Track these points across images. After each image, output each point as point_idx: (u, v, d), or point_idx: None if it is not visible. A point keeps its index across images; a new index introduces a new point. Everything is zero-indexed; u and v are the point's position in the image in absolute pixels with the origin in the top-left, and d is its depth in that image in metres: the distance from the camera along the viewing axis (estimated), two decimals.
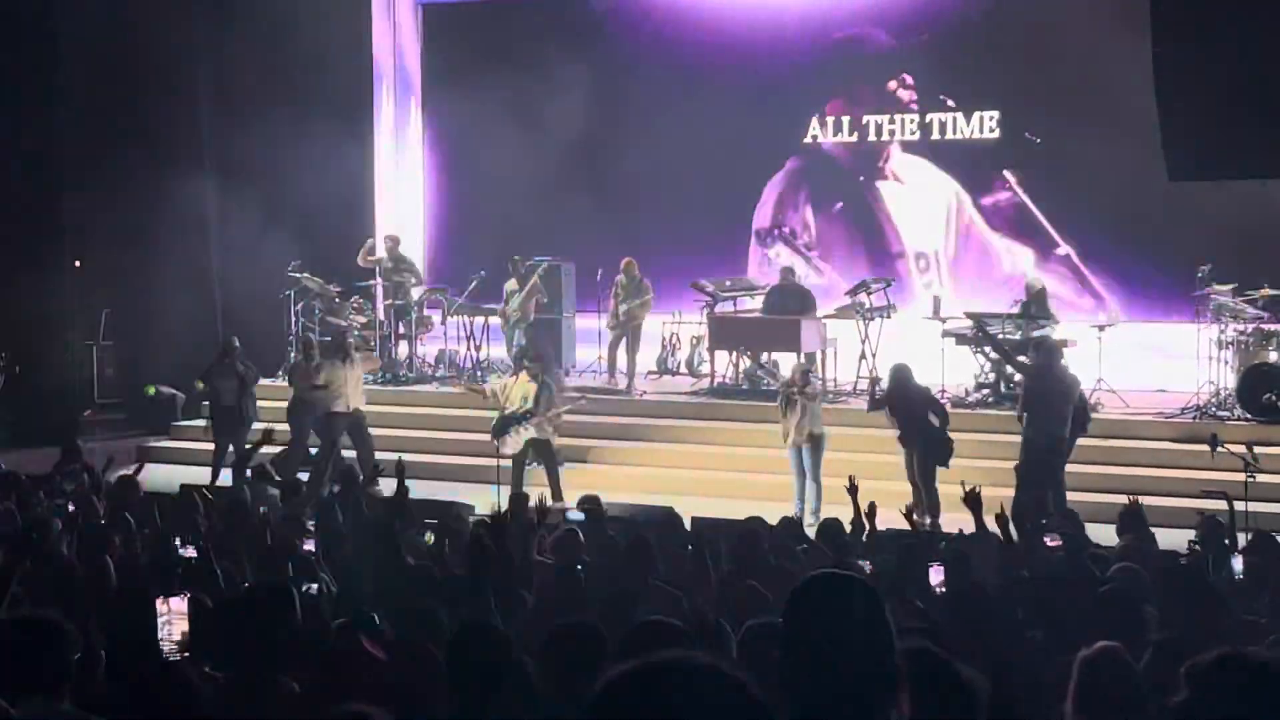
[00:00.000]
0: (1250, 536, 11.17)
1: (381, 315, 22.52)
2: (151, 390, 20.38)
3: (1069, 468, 15.55)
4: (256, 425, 18.14)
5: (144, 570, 8.96)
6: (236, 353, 18.65)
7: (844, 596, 3.18)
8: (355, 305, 22.14)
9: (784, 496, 16.14)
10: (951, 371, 18.96)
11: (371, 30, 24.22)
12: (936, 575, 9.30)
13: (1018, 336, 18.43)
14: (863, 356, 19.63)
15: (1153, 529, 11.74)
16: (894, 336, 19.69)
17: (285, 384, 21.37)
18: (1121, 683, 5.15)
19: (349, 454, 18.00)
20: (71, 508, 12.73)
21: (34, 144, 21.93)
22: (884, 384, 16.48)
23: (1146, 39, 14.29)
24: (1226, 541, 11.12)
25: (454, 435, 19.77)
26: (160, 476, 17.68)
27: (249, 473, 15.38)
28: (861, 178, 22.81)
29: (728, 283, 21.90)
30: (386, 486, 14.16)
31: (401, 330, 22.11)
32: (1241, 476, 13.94)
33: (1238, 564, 9.90)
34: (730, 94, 22.54)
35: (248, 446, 16.66)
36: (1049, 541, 10.60)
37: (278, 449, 17.28)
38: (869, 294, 20.05)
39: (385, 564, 9.59)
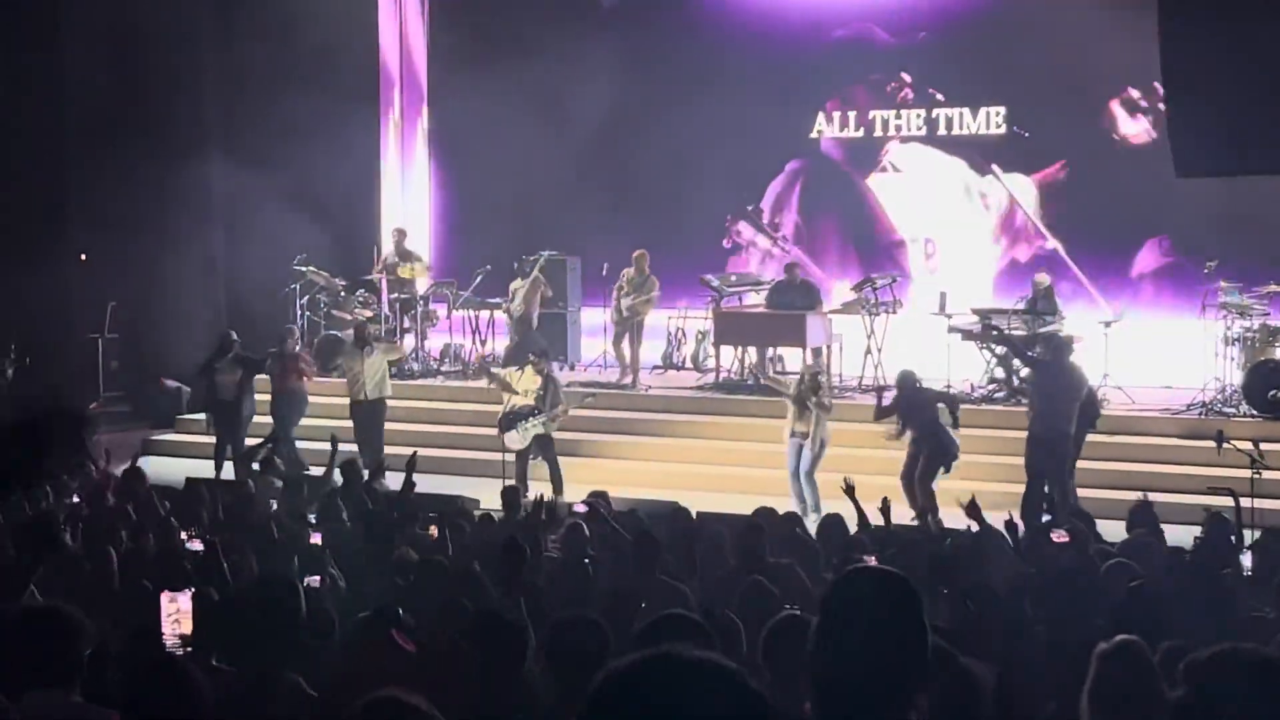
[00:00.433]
0: (1257, 533, 11.16)
1: (387, 309, 22.52)
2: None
3: (1077, 464, 15.56)
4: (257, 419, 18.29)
5: (151, 563, 8.95)
6: (235, 347, 18.63)
7: (883, 591, 3.20)
8: (361, 299, 22.14)
9: (788, 492, 16.14)
10: (958, 367, 18.93)
11: (378, 20, 24.22)
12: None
13: (1023, 332, 18.42)
14: (868, 352, 19.62)
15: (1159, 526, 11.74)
16: (900, 332, 19.68)
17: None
18: (1138, 677, 5.14)
19: (350, 446, 17.99)
20: (77, 500, 12.74)
21: (40, 136, 21.94)
22: (891, 392, 16.44)
23: (1154, 32, 14.26)
24: (1233, 538, 11.10)
25: (459, 429, 19.77)
26: (165, 470, 17.69)
27: (256, 466, 15.40)
28: (866, 170, 22.79)
29: (733, 278, 21.89)
30: (395, 480, 14.14)
31: (407, 324, 22.10)
32: (1248, 473, 13.93)
33: (1245, 560, 9.89)
34: (737, 88, 22.50)
35: (261, 442, 16.66)
36: (1055, 537, 10.58)
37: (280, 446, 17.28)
38: (875, 289, 20.05)
39: (382, 559, 9.62)
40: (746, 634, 6.46)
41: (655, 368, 21.90)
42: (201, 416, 20.09)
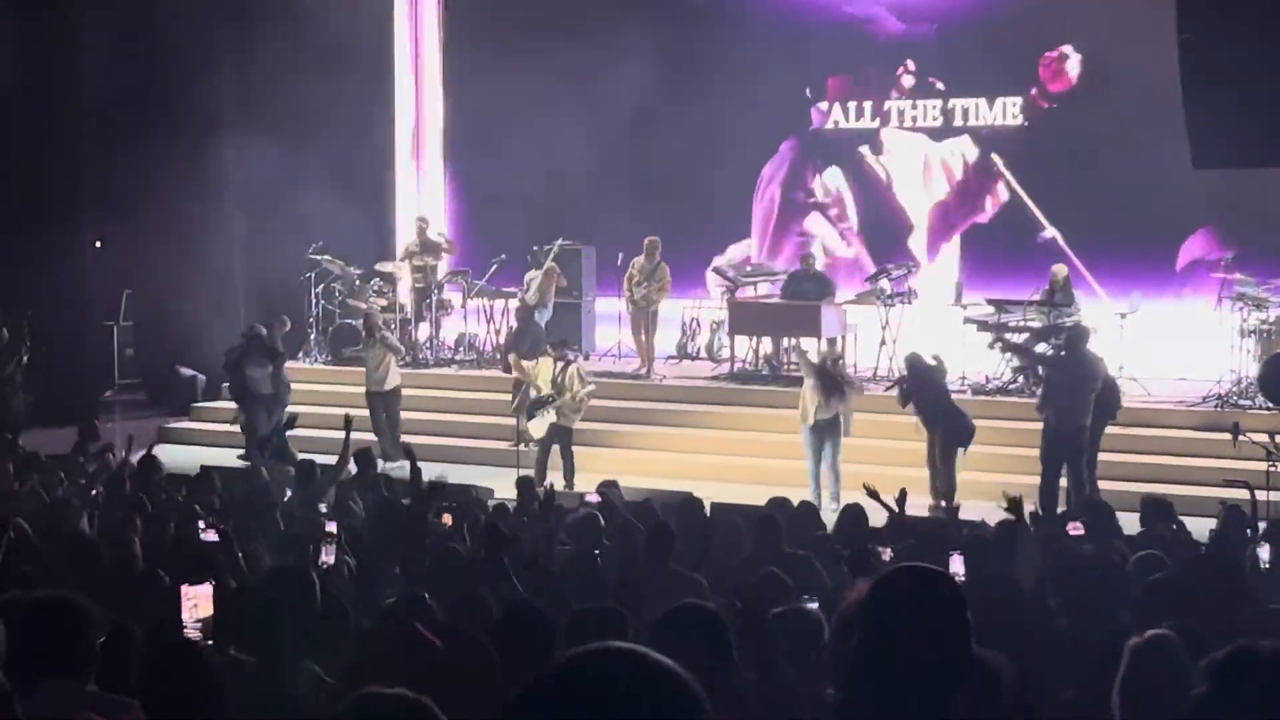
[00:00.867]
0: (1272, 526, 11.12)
1: (402, 298, 22.53)
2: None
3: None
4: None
5: (168, 552, 8.96)
6: (263, 339, 18.69)
7: (930, 589, 3.24)
8: (376, 288, 22.16)
9: (803, 482, 16.13)
10: (973, 358, 18.90)
11: (393, 6, 24.21)
12: (956, 563, 9.26)
13: (1039, 324, 18.39)
14: (883, 343, 19.60)
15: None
16: (915, 323, 19.66)
17: (309, 365, 21.46)
18: (1171, 671, 5.12)
19: (368, 436, 18.03)
20: (94, 489, 12.76)
21: (55, 123, 21.96)
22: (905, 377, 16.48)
23: (1172, 24, 14.20)
24: (1249, 531, 11.08)
25: (473, 418, 19.78)
26: (180, 458, 17.72)
27: (268, 453, 15.45)
28: (873, 158, 22.74)
29: (748, 268, 21.88)
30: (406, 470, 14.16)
31: (423, 313, 22.11)
32: (1264, 465, 13.90)
33: (1263, 553, 9.86)
34: (750, 72, 22.45)
35: (275, 430, 16.71)
36: (1071, 529, 10.57)
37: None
38: (890, 279, 20.03)
39: (411, 547, 9.61)
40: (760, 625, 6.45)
41: (670, 357, 21.88)
42: (218, 405, 20.13)
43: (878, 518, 11.53)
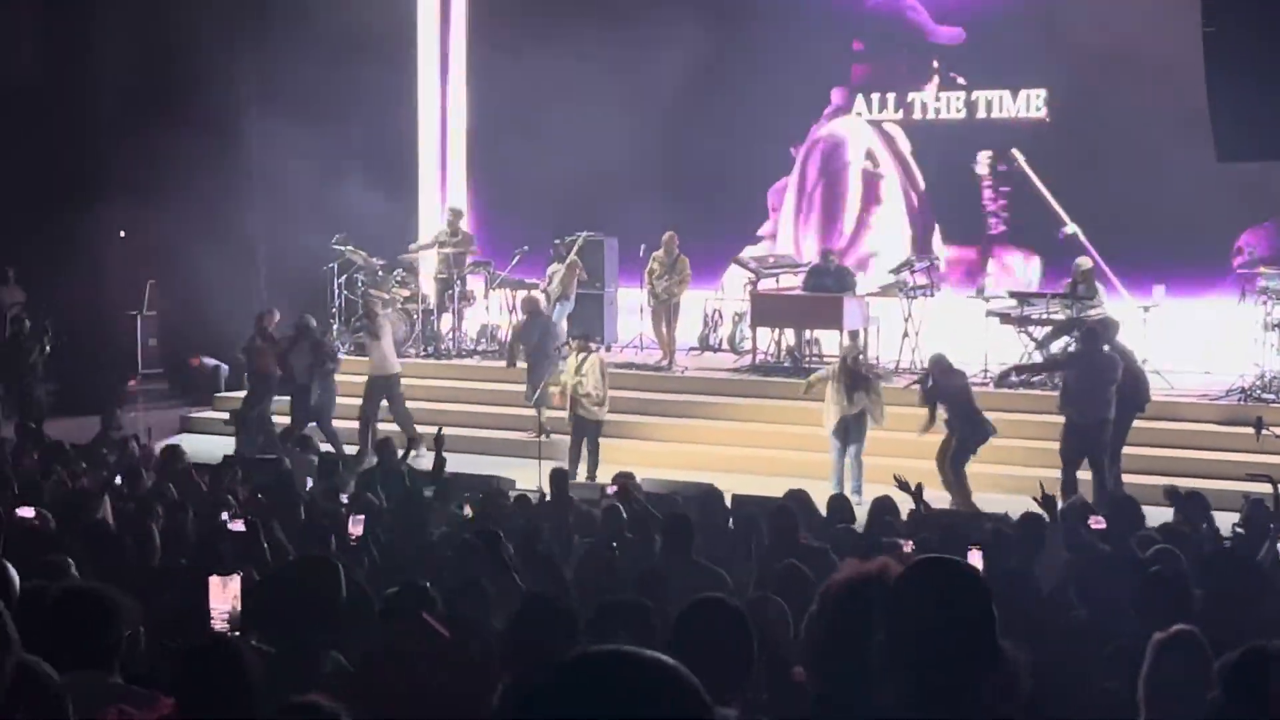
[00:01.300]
0: None
1: (425, 289, 22.56)
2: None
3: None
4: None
5: (192, 542, 8.99)
6: (313, 332, 18.82)
7: (953, 580, 3.26)
8: (399, 278, 22.20)
9: (826, 474, 16.13)
10: (995, 351, 18.86)
11: None
12: (975, 558, 9.25)
13: (1062, 317, 18.36)
14: (905, 335, 19.58)
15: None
16: (937, 315, 19.63)
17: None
18: (1194, 667, 5.12)
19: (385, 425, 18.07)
20: (117, 478, 12.80)
21: (77, 114, 22.03)
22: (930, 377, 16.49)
23: (1196, 16, 14.16)
24: (1272, 525, 11.04)
25: (494, 409, 19.79)
26: (203, 447, 17.77)
27: (292, 444, 15.48)
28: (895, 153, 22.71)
29: (770, 259, 21.86)
30: (424, 460, 14.21)
31: (445, 304, 22.14)
32: None
33: None
34: (771, 65, 22.42)
35: (300, 420, 16.80)
36: (1093, 523, 10.55)
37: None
38: (912, 272, 20.01)
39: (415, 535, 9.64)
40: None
41: (692, 349, 21.87)
42: (240, 395, 20.14)
43: (908, 511, 11.55)
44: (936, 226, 22.42)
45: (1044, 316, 18.77)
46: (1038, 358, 18.48)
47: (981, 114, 22.05)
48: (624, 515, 10.85)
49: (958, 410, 15.97)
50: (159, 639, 5.71)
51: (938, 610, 3.19)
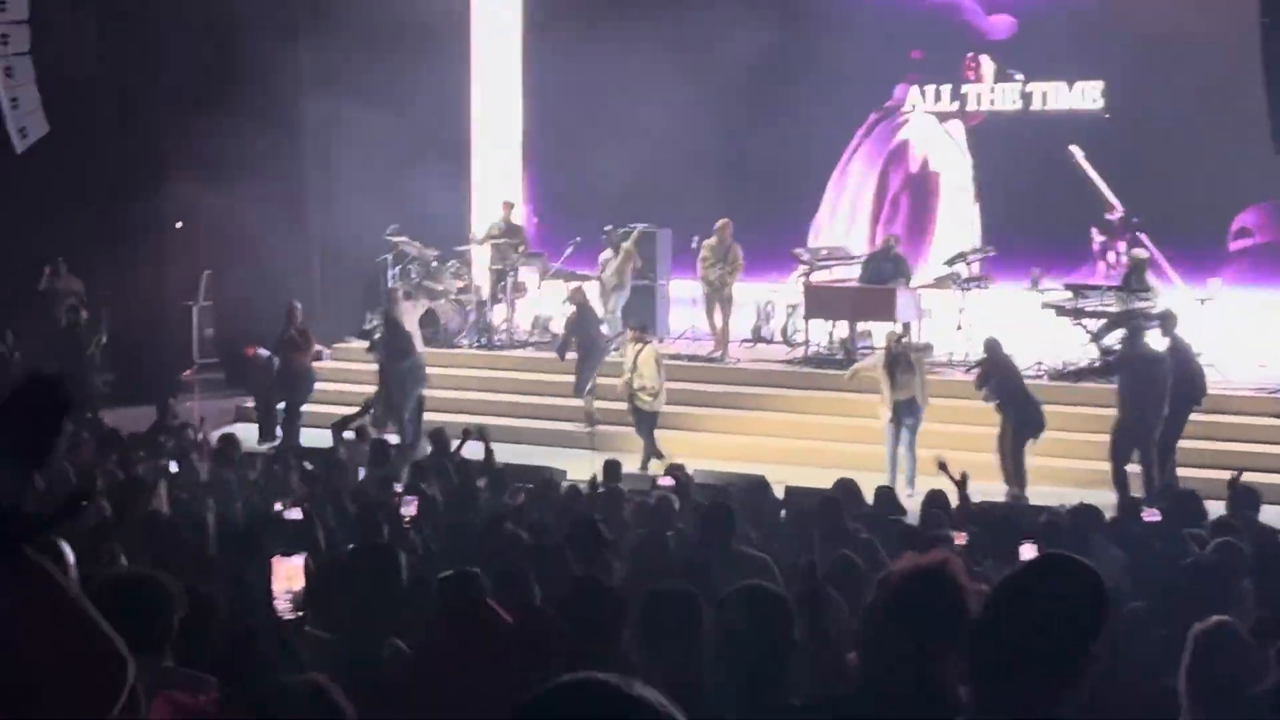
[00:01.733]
0: None
1: (478, 280, 22.61)
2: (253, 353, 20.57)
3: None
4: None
5: (245, 530, 9.04)
6: (399, 324, 19.03)
7: (1077, 580, 3.22)
8: (453, 270, 22.26)
9: (878, 466, 16.07)
10: (1050, 344, 18.77)
11: None
12: (1028, 550, 9.21)
13: (1116, 309, 18.24)
14: (959, 327, 19.50)
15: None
16: (991, 308, 19.54)
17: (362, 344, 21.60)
18: (1234, 657, 5.10)
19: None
20: (174, 467, 12.90)
21: (135, 106, 22.17)
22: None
23: (1253, 8, 14.09)
24: None
25: (546, 400, 19.83)
26: (257, 437, 17.93)
27: (347, 434, 15.56)
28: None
29: (824, 251, 21.82)
30: (474, 451, 14.25)
31: (498, 295, 22.19)
32: None
33: None
34: (828, 56, 22.34)
35: (358, 410, 16.90)
36: (1146, 516, 10.50)
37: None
38: (966, 264, 19.93)
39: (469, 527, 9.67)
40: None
41: (745, 341, 21.84)
42: None
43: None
44: (990, 219, 22.29)
45: (1099, 309, 18.64)
46: (1093, 351, 18.39)
47: (1037, 106, 21.91)
48: (676, 506, 10.85)
49: (1009, 395, 15.96)
50: (212, 624, 5.74)
51: (1050, 609, 3.14)
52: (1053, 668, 3.11)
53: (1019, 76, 21.83)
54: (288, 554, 5.86)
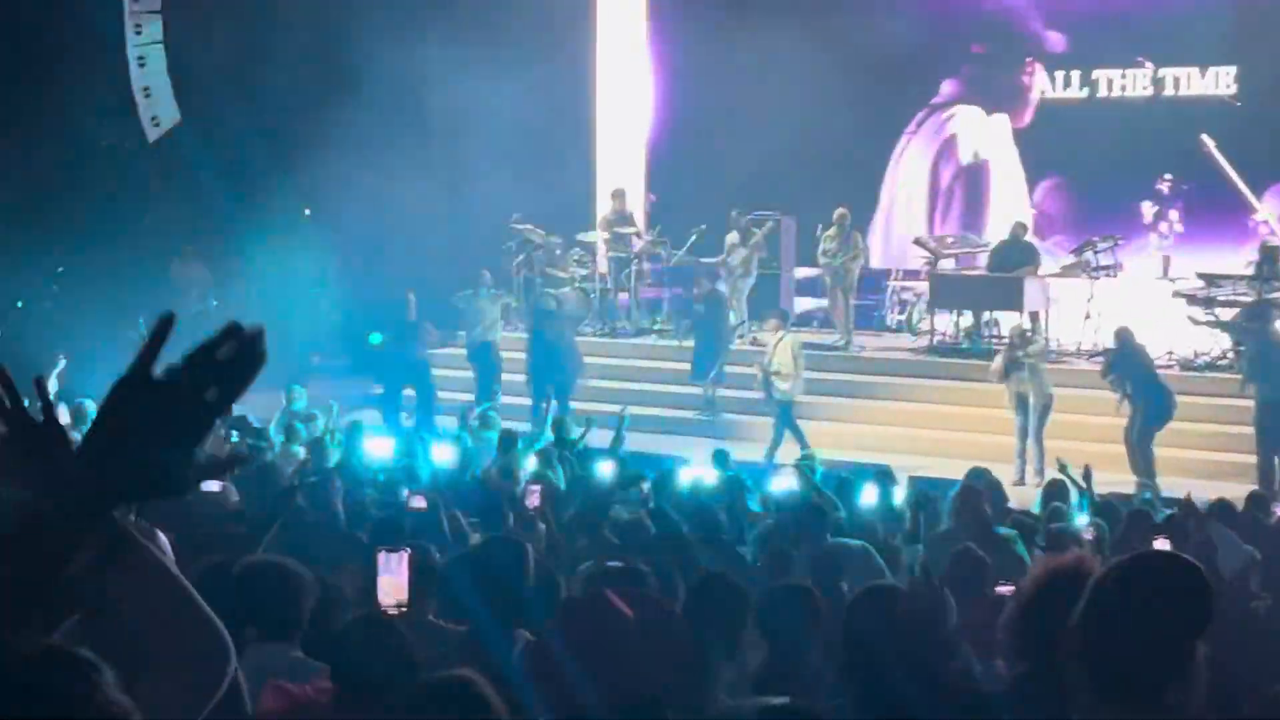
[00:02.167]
0: None
1: (602, 268, 22.66)
2: (377, 339, 20.80)
3: None
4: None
5: (372, 518, 9.13)
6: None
7: (1183, 577, 3.18)
8: (576, 257, 22.34)
9: (1004, 457, 15.93)
10: (1181, 333, 18.48)
11: None
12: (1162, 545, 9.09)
13: (1251, 298, 17.92)
14: (1087, 316, 19.25)
15: None
16: (1120, 296, 19.26)
17: (510, 335, 21.73)
18: None
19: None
20: (302, 453, 13.07)
21: (267, 94, 22.43)
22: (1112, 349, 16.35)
23: None
24: None
25: (667, 388, 19.84)
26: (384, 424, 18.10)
27: (473, 421, 15.69)
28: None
29: (950, 239, 21.63)
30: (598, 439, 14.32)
31: (622, 282, 22.24)
32: None
33: None
34: (960, 47, 22.16)
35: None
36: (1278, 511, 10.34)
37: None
38: (1095, 252, 19.67)
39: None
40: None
41: (869, 329, 21.69)
42: None
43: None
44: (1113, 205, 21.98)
45: (1231, 298, 18.32)
46: (1225, 342, 18.11)
47: (1169, 91, 21.54)
48: (802, 498, 10.84)
49: (1139, 384, 15.80)
50: (336, 614, 5.81)
51: (1154, 604, 3.12)
52: (1156, 666, 3.08)
53: (1148, 64, 21.45)
54: (393, 549, 5.92)
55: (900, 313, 21.95)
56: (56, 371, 17.45)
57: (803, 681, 5.03)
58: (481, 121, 21.36)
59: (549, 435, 15.25)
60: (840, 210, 20.44)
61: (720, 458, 13.43)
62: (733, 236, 21.10)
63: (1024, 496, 13.42)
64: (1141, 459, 15.57)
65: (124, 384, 2.17)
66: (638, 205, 23.47)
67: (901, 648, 4.50)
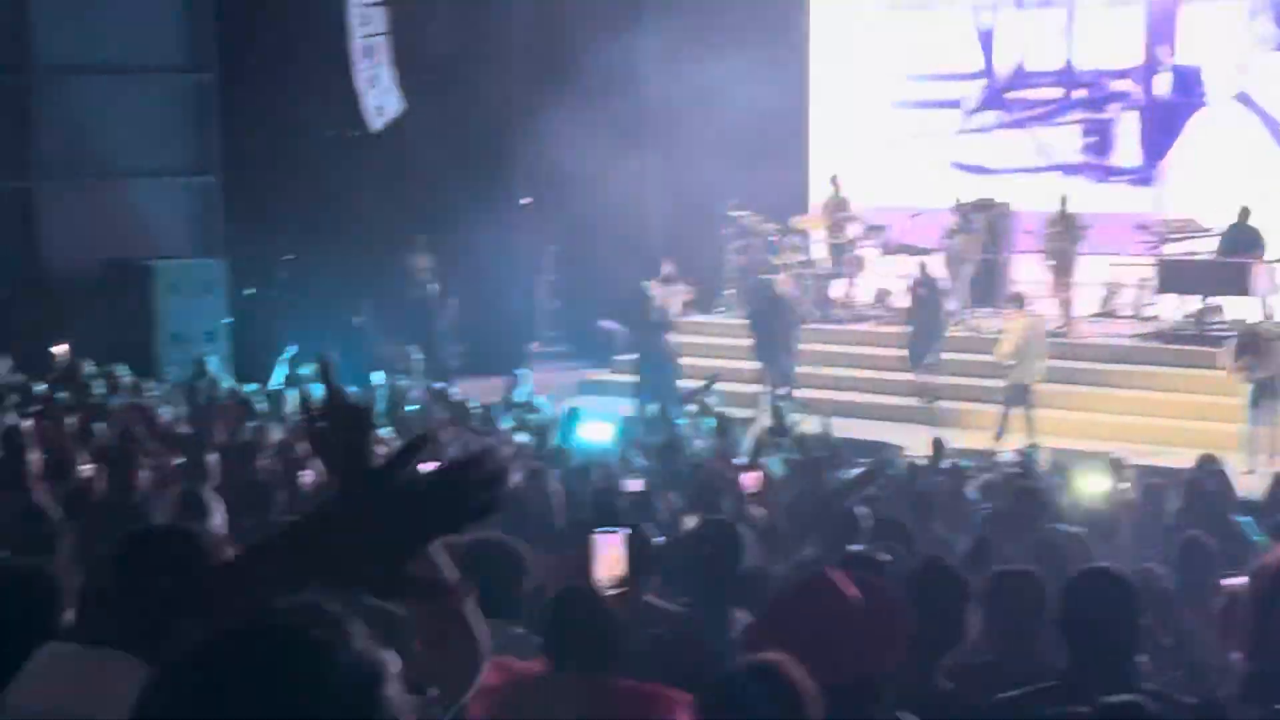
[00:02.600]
0: None
1: (818, 254, 22.57)
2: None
3: None
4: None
5: (590, 502, 9.22)
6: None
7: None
8: (792, 244, 22.27)
9: (1233, 445, 15.52)
10: None
11: None
12: None
13: None
14: None
15: None
16: None
17: (723, 320, 21.77)
18: None
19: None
20: (523, 438, 13.24)
21: (486, 84, 22.75)
22: None
23: None
24: None
25: (884, 375, 19.70)
26: (602, 409, 18.24)
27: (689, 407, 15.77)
28: None
29: (1176, 223, 21.12)
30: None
31: (838, 269, 22.14)
32: None
33: None
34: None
35: (704, 385, 17.21)
36: None
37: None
38: None
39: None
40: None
41: (1094, 315, 21.27)
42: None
43: None
44: None
45: None
46: None
47: None
48: (1024, 485, 10.69)
49: None
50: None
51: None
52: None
53: None
54: (610, 529, 5.96)
55: (1119, 297, 21.51)
56: (287, 358, 17.93)
57: (1027, 668, 4.97)
58: (697, 108, 21.40)
59: (768, 421, 15.26)
60: (1062, 194, 20.13)
61: (938, 446, 13.30)
62: (954, 223, 20.87)
63: (1256, 485, 13.06)
64: None
65: (363, 484, 2.16)
66: (855, 191, 23.29)
67: (1119, 630, 4.43)
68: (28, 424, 11.18)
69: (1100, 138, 22.54)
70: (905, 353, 19.51)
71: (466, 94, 22.47)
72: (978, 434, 17.19)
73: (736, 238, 22.41)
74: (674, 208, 23.10)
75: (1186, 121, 22.13)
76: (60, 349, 17.39)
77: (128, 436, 10.71)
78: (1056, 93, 22.91)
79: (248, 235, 21.17)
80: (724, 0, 21.91)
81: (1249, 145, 21.20)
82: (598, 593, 5.34)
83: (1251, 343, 16.11)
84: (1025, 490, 9.67)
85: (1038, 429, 16.88)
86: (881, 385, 19.48)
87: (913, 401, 18.81)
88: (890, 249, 22.05)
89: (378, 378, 17.38)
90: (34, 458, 8.88)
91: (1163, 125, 22.30)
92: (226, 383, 16.93)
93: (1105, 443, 15.08)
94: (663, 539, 7.17)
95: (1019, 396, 17.43)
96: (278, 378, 17.56)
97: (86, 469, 9.61)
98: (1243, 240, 19.06)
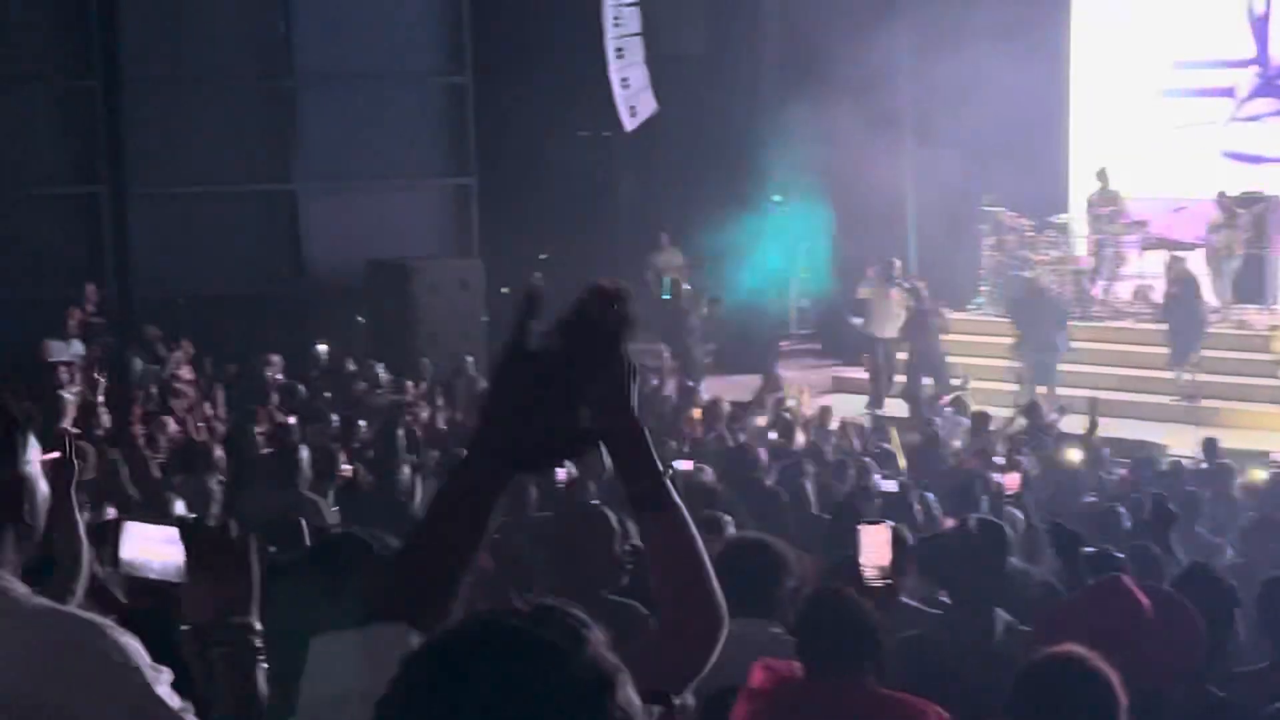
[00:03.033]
0: None
1: (1079, 250, 22.11)
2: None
3: None
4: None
5: (843, 499, 9.18)
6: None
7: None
8: (1049, 240, 21.89)
9: None
10: None
11: None
12: None
13: None
14: None
15: None
16: None
17: (978, 316, 21.50)
18: None
19: None
20: (772, 435, 13.25)
21: (740, 83, 22.82)
22: None
23: None
24: None
25: (1146, 373, 19.24)
26: (853, 407, 18.17)
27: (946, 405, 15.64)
28: None
29: None
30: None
31: (1099, 266, 21.68)
32: None
33: None
34: None
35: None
36: None
37: None
38: None
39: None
40: None
41: None
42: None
43: None
44: None
45: None
46: None
47: None
48: None
49: None
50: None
51: None
52: None
53: None
54: (874, 522, 5.91)
55: None
56: None
57: None
58: (951, 103, 21.11)
59: (1021, 420, 15.03)
60: None
61: (1209, 446, 12.95)
62: (1216, 216, 20.29)
63: None
64: None
65: (504, 361, 2.21)
66: (1117, 185, 22.76)
67: None
68: (294, 421, 11.56)
69: None
70: (1166, 350, 19.04)
71: (719, 93, 22.54)
72: (1242, 433, 16.67)
73: (991, 234, 22.10)
74: (928, 203, 22.83)
75: None
76: (322, 347, 17.90)
77: (389, 434, 10.97)
78: None
79: (503, 235, 21.52)
80: None
81: None
82: (854, 594, 5.31)
83: None
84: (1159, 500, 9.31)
85: None
86: (1142, 384, 19.03)
87: (1175, 400, 18.34)
88: (1149, 244, 21.53)
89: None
90: (304, 455, 9.14)
91: None
92: (483, 382, 17.23)
93: None
94: (913, 540, 7.10)
95: None
96: None
97: (346, 468, 9.89)
98: None
